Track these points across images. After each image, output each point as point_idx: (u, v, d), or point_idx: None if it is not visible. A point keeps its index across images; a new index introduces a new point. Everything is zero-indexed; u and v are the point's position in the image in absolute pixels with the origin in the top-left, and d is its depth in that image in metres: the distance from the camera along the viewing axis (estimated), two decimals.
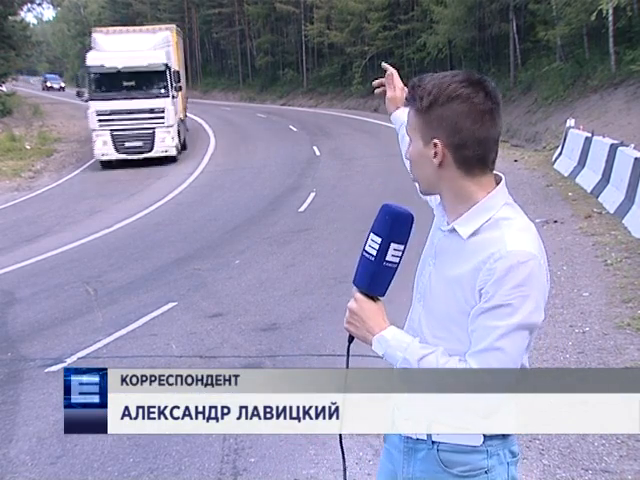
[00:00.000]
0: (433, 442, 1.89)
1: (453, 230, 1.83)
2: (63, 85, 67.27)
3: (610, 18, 22.02)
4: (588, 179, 13.20)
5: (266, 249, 10.85)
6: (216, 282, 9.16)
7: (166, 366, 6.23)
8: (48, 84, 68.19)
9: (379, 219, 1.77)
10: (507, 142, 23.94)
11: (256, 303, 8.08)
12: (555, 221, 10.66)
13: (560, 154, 16.64)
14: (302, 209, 13.99)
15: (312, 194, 15.28)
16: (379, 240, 1.75)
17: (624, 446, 4.19)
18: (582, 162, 14.31)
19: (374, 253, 1.75)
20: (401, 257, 1.78)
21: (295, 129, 29.49)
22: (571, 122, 17.19)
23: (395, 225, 1.75)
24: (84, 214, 14.69)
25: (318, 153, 22.43)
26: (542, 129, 23.33)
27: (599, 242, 9.24)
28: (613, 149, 12.25)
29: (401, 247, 1.76)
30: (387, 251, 1.74)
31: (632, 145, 12.01)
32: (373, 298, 1.82)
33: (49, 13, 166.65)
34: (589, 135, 14.58)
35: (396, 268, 1.78)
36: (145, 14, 66.16)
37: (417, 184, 1.89)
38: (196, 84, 60.51)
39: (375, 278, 1.76)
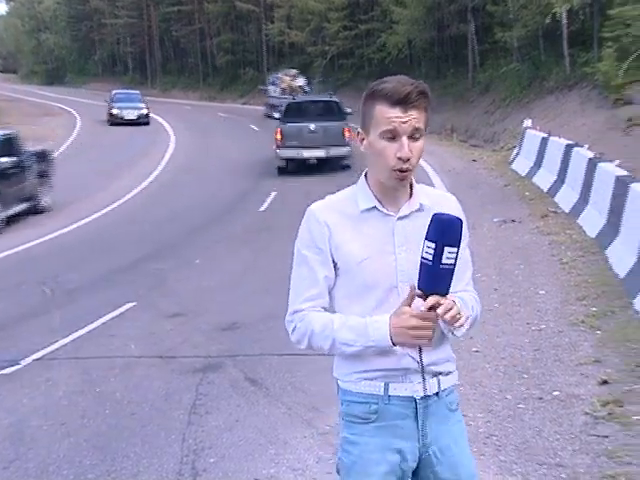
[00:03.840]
0: (442, 391, 2.14)
1: (419, 209, 2.10)
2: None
3: (564, 21, 22.40)
4: (544, 179, 13.40)
5: (227, 248, 10.80)
6: (176, 282, 9.09)
7: (124, 367, 6.16)
8: (115, 111, 32.76)
9: (431, 228, 1.91)
10: (466, 142, 24.20)
11: (217, 302, 8.04)
12: (513, 220, 10.80)
13: (517, 154, 16.87)
14: (263, 208, 13.96)
15: (273, 193, 15.26)
16: (433, 245, 1.89)
17: (577, 440, 4.27)
18: (538, 162, 14.52)
19: (430, 257, 1.89)
20: (456, 259, 1.91)
21: (256, 128, 29.40)
22: (528, 123, 17.44)
23: (446, 230, 1.90)
24: (41, 214, 14.44)
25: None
26: (500, 129, 23.61)
27: (555, 241, 9.39)
28: (568, 150, 12.47)
29: (454, 250, 1.90)
30: (442, 253, 1.88)
31: (586, 146, 12.24)
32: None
33: (2, 8, 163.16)
34: (545, 135, 14.81)
35: (453, 269, 1.91)
36: (102, 10, 65.19)
37: (399, 176, 2.05)
38: (155, 83, 59.90)
39: (436, 279, 1.91)
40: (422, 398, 2.09)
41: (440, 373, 2.13)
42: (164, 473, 4.30)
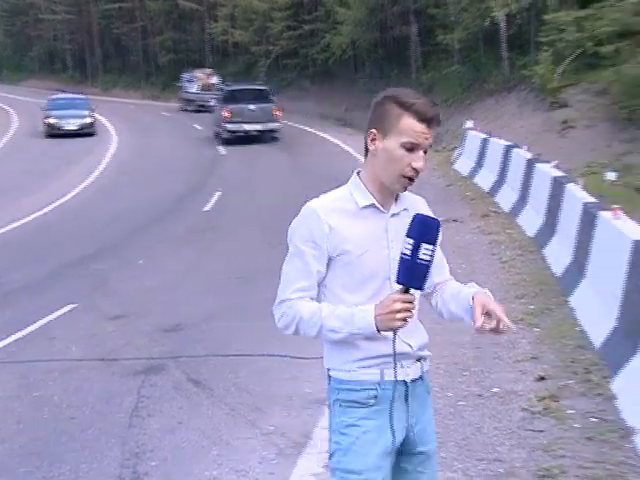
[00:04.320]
0: (423, 374, 2.36)
1: (405, 209, 2.30)
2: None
3: (503, 25, 22.87)
4: (485, 179, 13.65)
5: (170, 249, 10.69)
6: (118, 282, 8.95)
7: (64, 371, 6.03)
8: (52, 121, 27.76)
9: (412, 227, 2.10)
10: None
11: (160, 304, 7.94)
12: (455, 220, 10.96)
13: (459, 155, 17.14)
14: (207, 208, 13.86)
15: (217, 193, 15.16)
16: (412, 242, 2.07)
17: (515, 435, 4.36)
18: (480, 163, 14.79)
19: (409, 253, 2.07)
20: (432, 256, 2.08)
21: (200, 128, 29.15)
22: (469, 124, 17.73)
23: (426, 229, 2.09)
24: None
25: (224, 152, 22.26)
26: (443, 130, 23.88)
27: (495, 240, 9.57)
28: (508, 150, 12.73)
29: (431, 247, 2.08)
30: (419, 250, 2.06)
31: (525, 147, 12.50)
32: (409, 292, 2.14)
33: None
34: (486, 136, 15.09)
35: (429, 265, 2.09)
36: (39, 6, 63.38)
37: (407, 183, 2.26)
38: (96, 81, 58.72)
39: (415, 274, 2.09)
40: (412, 381, 2.31)
41: (422, 357, 2.35)
42: (104, 478, 4.23)
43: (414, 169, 2.20)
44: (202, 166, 19.75)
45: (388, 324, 2.13)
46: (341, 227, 2.23)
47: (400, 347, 2.21)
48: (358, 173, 2.32)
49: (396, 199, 2.32)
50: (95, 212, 14.15)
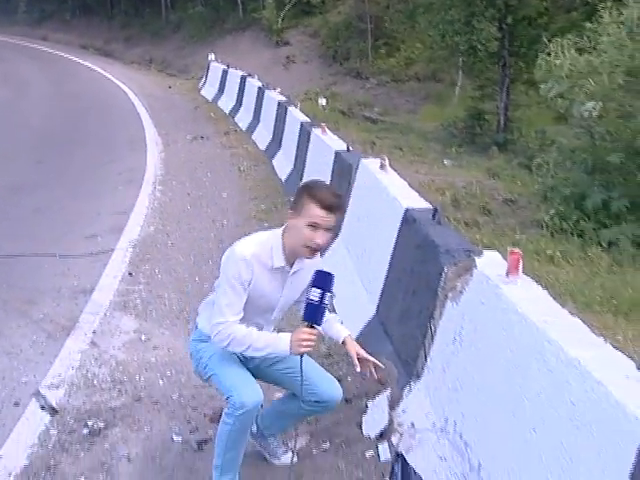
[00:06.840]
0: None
1: (300, 269, 2.52)
2: None
3: None
4: (226, 103, 13.49)
5: None
6: None
7: None
8: None
9: (316, 280, 2.34)
10: (162, 72, 23.22)
11: None
12: (202, 137, 10.74)
13: (205, 83, 16.69)
14: None
15: None
16: (320, 292, 2.32)
17: None
18: (222, 89, 14.54)
19: (317, 299, 2.32)
20: (330, 301, 2.36)
21: None
22: (212, 56, 17.24)
23: (327, 282, 2.34)
24: None
25: None
26: (190, 62, 23.06)
27: (235, 153, 9.57)
28: (243, 80, 12.65)
29: (330, 294, 2.35)
30: (324, 297, 2.33)
31: (256, 76, 12.51)
32: (314, 327, 2.39)
33: None
34: (225, 68, 14.81)
35: (326, 307, 2.36)
36: None
37: (310, 252, 2.44)
38: None
39: (319, 314, 2.36)
40: None
41: None
42: None
43: (315, 242, 2.38)
44: None
45: (297, 349, 2.39)
46: (257, 275, 2.46)
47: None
48: (283, 232, 2.47)
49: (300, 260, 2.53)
50: None
